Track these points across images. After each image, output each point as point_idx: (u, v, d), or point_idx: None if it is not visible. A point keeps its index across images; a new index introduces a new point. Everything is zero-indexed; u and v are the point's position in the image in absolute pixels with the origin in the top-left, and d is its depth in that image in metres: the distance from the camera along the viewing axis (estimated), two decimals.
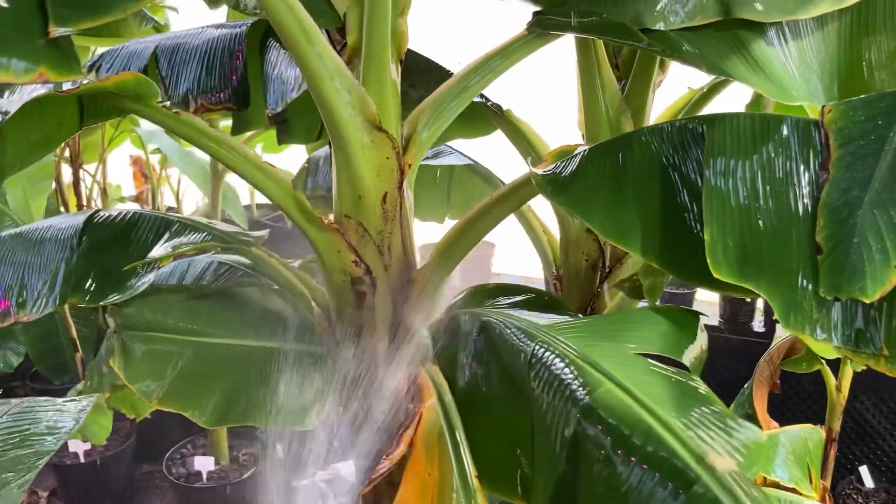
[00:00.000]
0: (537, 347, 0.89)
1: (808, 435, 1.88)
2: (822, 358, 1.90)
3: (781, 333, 1.98)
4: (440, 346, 1.13)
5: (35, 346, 3.20)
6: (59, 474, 3.00)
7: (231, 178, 3.24)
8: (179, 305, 1.62)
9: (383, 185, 1.27)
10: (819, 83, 1.39)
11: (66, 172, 3.47)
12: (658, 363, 0.89)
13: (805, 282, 0.89)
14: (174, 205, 3.68)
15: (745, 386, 1.96)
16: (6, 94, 1.17)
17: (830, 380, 1.90)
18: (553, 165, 1.12)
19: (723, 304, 2.74)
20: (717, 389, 1.06)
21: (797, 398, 2.62)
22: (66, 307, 2.85)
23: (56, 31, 0.59)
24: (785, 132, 0.95)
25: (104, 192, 3.50)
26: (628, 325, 0.97)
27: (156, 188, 3.49)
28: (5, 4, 0.57)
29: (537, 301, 1.11)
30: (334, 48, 1.21)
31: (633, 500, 0.74)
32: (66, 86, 1.11)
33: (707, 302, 2.84)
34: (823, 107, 0.96)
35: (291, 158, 3.54)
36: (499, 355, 0.96)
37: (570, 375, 0.84)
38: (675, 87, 1.82)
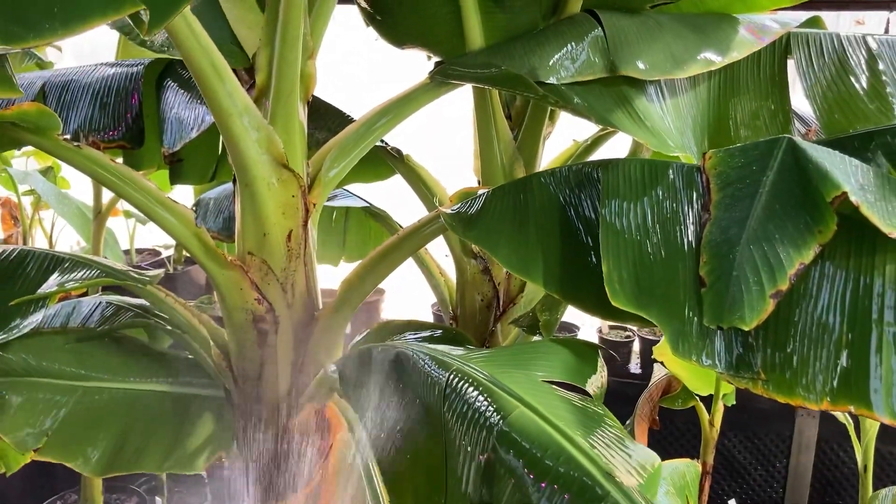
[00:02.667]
0: (451, 376, 0.92)
1: (687, 468, 2.00)
2: (696, 395, 2.03)
3: (659, 373, 2.10)
4: (350, 380, 1.14)
5: None
6: None
7: (110, 222, 3.12)
8: (64, 348, 1.55)
9: (288, 224, 1.28)
10: (692, 136, 1.52)
11: None
12: (564, 390, 0.94)
13: (691, 312, 0.97)
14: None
15: (627, 423, 2.06)
16: None
17: (704, 416, 2.02)
18: (459, 205, 1.17)
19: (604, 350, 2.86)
20: None
21: (674, 435, 2.76)
22: None
23: (0, 49, 0.59)
24: (671, 176, 1.04)
25: None
26: (535, 355, 1.01)
27: (27, 231, 3.31)
28: None
29: (444, 336, 1.15)
30: (242, 86, 1.22)
31: None
32: None
33: None
34: (705, 154, 1.05)
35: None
36: (413, 385, 0.99)
37: (485, 402, 0.87)
38: (560, 139, 1.93)
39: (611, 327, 2.89)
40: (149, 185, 1.24)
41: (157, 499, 2.80)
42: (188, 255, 3.51)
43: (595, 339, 2.91)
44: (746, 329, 0.93)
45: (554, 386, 0.94)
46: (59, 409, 1.50)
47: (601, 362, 1.11)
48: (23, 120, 1.09)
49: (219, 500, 2.74)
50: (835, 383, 0.90)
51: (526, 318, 1.38)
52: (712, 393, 1.99)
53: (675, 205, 1.02)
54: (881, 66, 1.63)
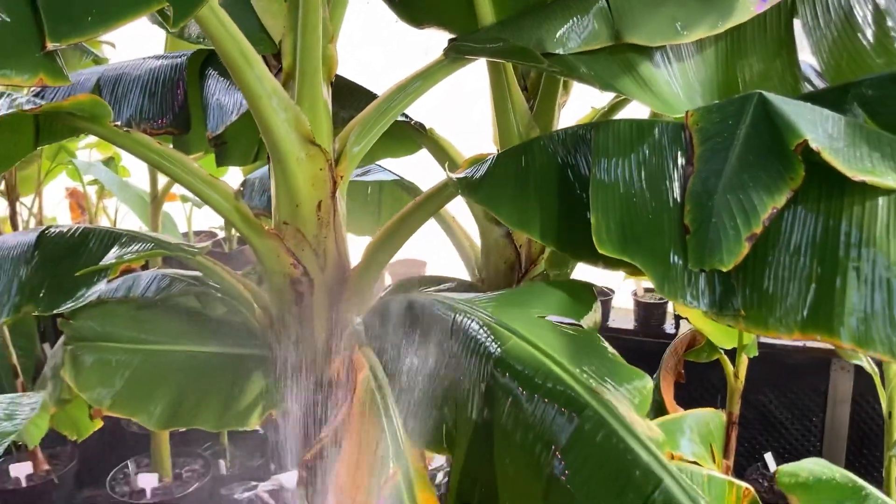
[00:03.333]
0: (457, 317, 1.04)
1: (710, 418, 2.07)
2: (721, 348, 2.10)
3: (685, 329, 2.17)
4: (373, 329, 1.26)
5: None
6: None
7: (168, 207, 3.31)
8: (127, 316, 1.71)
9: (318, 195, 1.40)
10: (700, 100, 1.59)
11: (2, 205, 3.49)
12: (561, 324, 1.04)
13: (676, 257, 1.05)
14: None
15: (654, 376, 2.14)
16: None
17: (729, 368, 2.09)
18: (468, 170, 1.27)
19: (637, 311, 2.94)
20: None
21: (703, 390, 2.82)
22: (7, 335, 2.87)
23: (52, 45, 0.70)
24: (657, 134, 1.12)
25: (40, 224, 3.52)
26: (532, 296, 1.12)
27: (93, 219, 3.52)
28: (7, 18, 0.68)
29: (459, 286, 1.26)
30: (270, 71, 1.34)
31: (537, 429, 0.88)
32: (25, 105, 1.21)
33: (623, 309, 3.03)
34: (688, 112, 1.13)
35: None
36: (424, 327, 1.10)
37: (485, 334, 0.98)
38: (579, 107, 2.01)
39: (645, 290, 2.96)
40: (194, 165, 1.38)
41: (221, 461, 2.99)
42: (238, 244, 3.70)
43: (630, 303, 2.98)
44: (725, 270, 1.01)
45: (552, 321, 1.04)
46: (124, 369, 1.67)
47: (597, 301, 1.20)
48: (79, 109, 1.23)
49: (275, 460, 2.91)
50: (805, 314, 0.98)
51: (540, 277, 1.48)
52: (735, 346, 2.06)
53: (661, 160, 1.11)
54: (889, 23, 1.66)
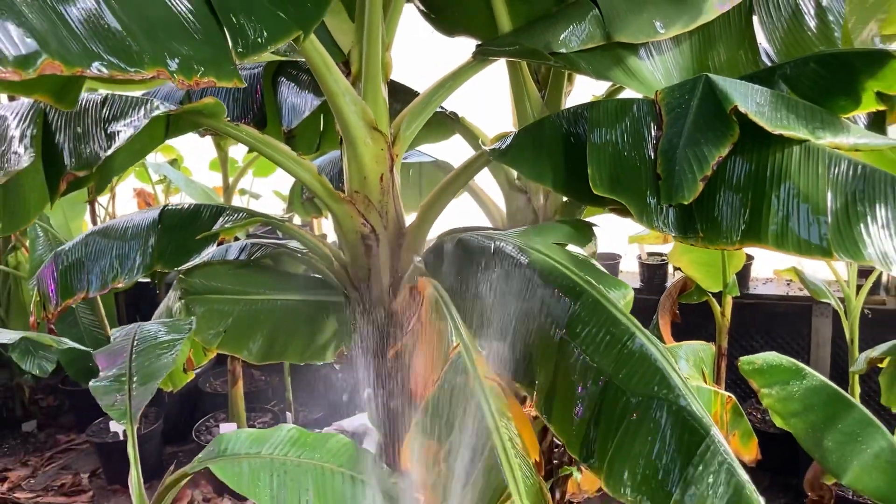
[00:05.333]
0: (496, 243, 1.42)
1: (702, 348, 2.46)
2: (709, 291, 2.47)
3: (676, 277, 2.54)
4: (430, 263, 1.65)
5: (65, 353, 3.61)
6: (101, 452, 3.41)
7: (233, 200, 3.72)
8: (227, 274, 2.11)
9: (380, 168, 1.79)
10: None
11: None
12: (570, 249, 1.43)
13: (651, 197, 1.43)
14: None
15: (654, 317, 2.52)
16: (121, 120, 1.66)
17: (716, 308, 2.46)
18: (496, 143, 1.66)
19: (641, 271, 3.31)
20: None
21: (700, 327, 3.18)
22: (103, 314, 3.30)
23: (239, 63, 1.09)
24: (635, 109, 1.50)
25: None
26: (548, 230, 1.50)
27: None
28: (205, 38, 1.05)
29: (492, 229, 1.64)
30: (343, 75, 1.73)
31: (546, 307, 1.27)
32: (168, 108, 1.61)
33: (630, 273, 3.40)
34: (657, 91, 1.51)
35: (277, 181, 4.05)
36: (471, 253, 1.49)
37: (516, 252, 1.37)
38: (584, 95, 2.39)
39: (648, 254, 3.33)
40: (285, 148, 1.77)
41: (288, 413, 3.40)
42: (298, 221, 4.10)
43: (635, 265, 3.36)
44: (687, 203, 1.39)
45: (559, 245, 1.43)
46: (228, 316, 2.07)
47: (595, 235, 1.58)
48: (206, 108, 1.63)
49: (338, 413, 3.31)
50: (742, 230, 1.35)
51: None
52: (721, 290, 2.43)
53: (639, 127, 1.49)
54: (830, 17, 2.02)
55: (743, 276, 3.12)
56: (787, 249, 1.32)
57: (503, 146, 1.61)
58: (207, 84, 1.04)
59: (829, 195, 1.32)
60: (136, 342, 1.68)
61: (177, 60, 0.99)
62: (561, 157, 1.51)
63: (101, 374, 1.59)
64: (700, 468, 1.07)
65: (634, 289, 3.37)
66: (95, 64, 0.89)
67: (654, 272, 3.23)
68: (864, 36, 1.80)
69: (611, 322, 1.24)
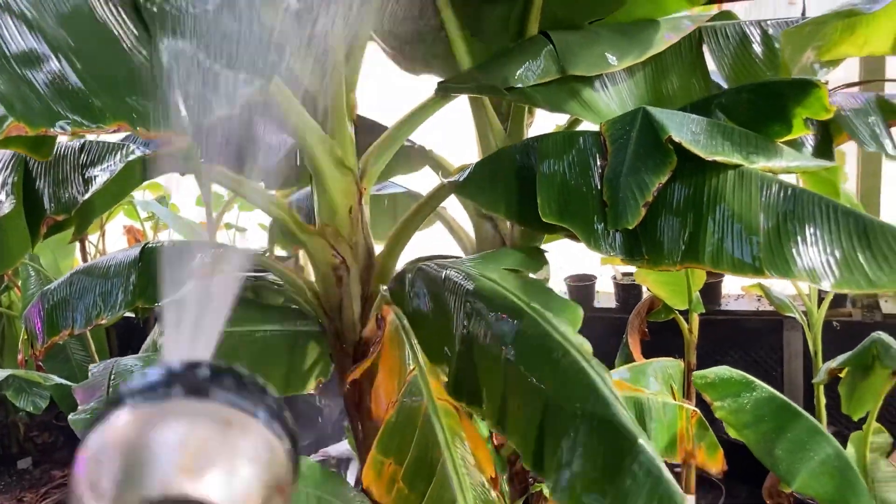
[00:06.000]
0: (447, 272, 1.49)
1: (670, 364, 2.52)
2: (676, 309, 2.54)
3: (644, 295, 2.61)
4: (394, 291, 1.72)
5: (57, 389, 3.66)
6: None
7: (218, 236, 3.80)
8: None
9: (348, 202, 1.86)
10: None
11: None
12: (521, 274, 1.50)
13: (598, 223, 1.51)
14: None
15: (624, 335, 2.59)
16: (98, 166, 1.75)
17: (683, 325, 2.53)
18: (456, 175, 1.74)
19: (616, 292, 3.38)
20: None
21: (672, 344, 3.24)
22: (93, 349, 3.36)
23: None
24: (581, 141, 1.59)
25: None
26: (502, 256, 1.57)
27: None
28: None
29: (452, 258, 1.72)
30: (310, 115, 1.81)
31: (494, 332, 1.34)
32: (141, 152, 1.69)
33: (606, 293, 3.48)
34: (601, 123, 1.59)
35: (263, 214, 4.13)
36: (426, 282, 1.56)
37: (464, 279, 1.44)
38: (548, 124, 2.48)
39: (623, 274, 3.41)
40: (259, 186, 1.86)
41: None
42: (279, 252, 4.18)
43: (611, 285, 3.43)
44: (631, 228, 1.47)
45: (512, 270, 1.50)
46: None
47: (547, 262, 1.65)
48: (178, 151, 1.71)
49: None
50: (682, 251, 1.43)
51: None
52: (687, 307, 2.50)
53: (585, 157, 1.57)
54: (776, 44, 2.13)
55: (714, 293, 3.20)
56: (723, 268, 1.40)
57: (461, 178, 1.70)
58: (166, 136, 1.12)
59: (762, 216, 1.40)
60: (112, 376, 1.74)
61: (136, 115, 1.07)
62: (514, 188, 1.59)
63: (79, 407, 1.65)
64: (628, 472, 1.13)
65: (610, 308, 3.48)
66: (59, 122, 0.97)
67: (629, 292, 3.31)
68: (803, 62, 1.90)
69: (549, 341, 1.31)
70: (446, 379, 1.42)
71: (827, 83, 1.58)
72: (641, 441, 1.13)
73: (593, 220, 1.52)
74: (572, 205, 1.52)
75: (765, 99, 1.61)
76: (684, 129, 1.47)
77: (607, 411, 1.18)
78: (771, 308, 2.87)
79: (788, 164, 1.47)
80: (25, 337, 2.13)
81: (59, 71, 1.03)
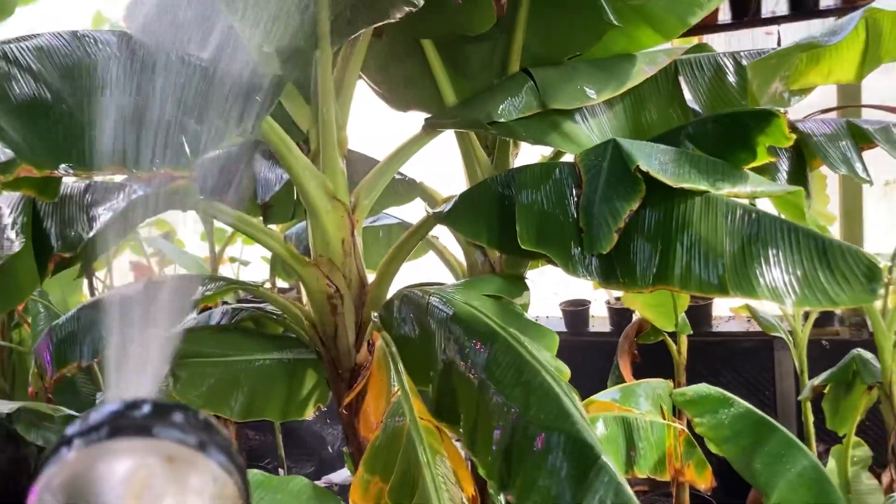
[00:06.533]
0: (430, 298, 1.57)
1: (660, 385, 2.58)
2: (665, 331, 2.60)
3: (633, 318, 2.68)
4: (383, 317, 1.80)
5: (67, 422, 3.72)
6: None
7: (222, 270, 3.89)
8: (209, 338, 2.25)
9: (341, 234, 1.95)
10: None
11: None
12: (500, 300, 1.58)
13: (575, 248, 1.58)
14: None
15: (614, 358, 2.65)
16: (102, 205, 1.83)
17: (672, 346, 2.59)
18: (441, 206, 1.82)
19: (610, 315, 3.45)
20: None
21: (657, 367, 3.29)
22: (101, 381, 3.42)
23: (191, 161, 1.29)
24: (558, 172, 1.67)
25: None
26: (483, 283, 1.65)
27: None
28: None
29: (436, 284, 1.79)
30: (303, 153, 1.90)
31: (469, 357, 1.41)
32: (147, 191, 1.78)
33: (600, 317, 3.54)
34: (575, 155, 1.68)
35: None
36: (412, 308, 1.63)
37: (444, 306, 1.52)
38: (533, 155, 2.57)
39: (616, 298, 3.47)
40: (254, 220, 1.94)
41: (280, 471, 3.50)
42: (280, 285, 4.27)
43: (604, 309, 3.50)
44: (605, 253, 1.54)
45: (489, 296, 1.57)
46: (210, 378, 2.20)
47: (527, 288, 1.73)
48: (180, 190, 1.80)
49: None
50: (654, 273, 1.50)
51: None
52: (675, 329, 2.56)
53: (561, 187, 1.65)
54: (749, 73, 2.21)
55: (705, 315, 3.26)
56: (691, 289, 1.47)
57: (446, 209, 1.78)
58: (164, 177, 1.22)
59: (727, 239, 1.47)
60: None
61: (130, 158, 1.16)
62: (495, 217, 1.67)
63: None
64: (590, 488, 1.19)
65: (604, 332, 3.54)
66: (62, 165, 1.06)
67: (622, 316, 3.37)
68: (772, 92, 1.98)
69: (521, 363, 1.38)
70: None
71: (786, 113, 1.66)
72: (604, 458, 1.19)
73: (570, 245, 1.59)
74: (549, 232, 1.60)
75: (728, 128, 1.70)
76: (652, 158, 1.55)
77: (573, 429, 1.24)
78: (760, 329, 2.92)
79: (753, 190, 1.55)
80: (35, 371, 2.20)
81: (61, 118, 1.12)
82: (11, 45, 1.16)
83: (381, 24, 1.69)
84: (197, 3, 2.19)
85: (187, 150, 1.29)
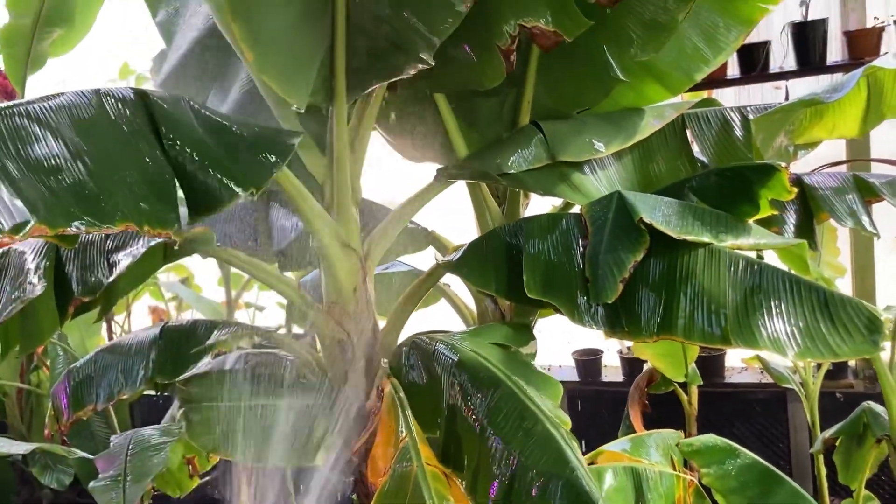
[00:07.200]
0: (436, 345, 1.60)
1: (671, 436, 2.57)
2: (676, 382, 2.60)
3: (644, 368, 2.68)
4: (392, 364, 1.82)
5: (81, 466, 3.75)
6: None
7: (238, 315, 3.94)
8: (222, 383, 2.28)
9: (353, 281, 1.98)
10: None
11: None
12: (505, 348, 1.60)
13: (581, 297, 1.61)
14: None
15: (625, 408, 2.65)
16: (122, 251, 1.89)
17: (683, 396, 2.58)
18: (451, 255, 1.86)
19: (623, 365, 3.44)
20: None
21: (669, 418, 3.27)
22: (116, 425, 3.46)
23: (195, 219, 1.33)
24: (564, 222, 1.70)
25: None
26: (489, 331, 1.68)
27: None
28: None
29: (444, 332, 1.82)
30: (318, 202, 1.95)
31: (472, 403, 1.43)
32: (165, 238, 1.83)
33: (612, 366, 3.54)
34: (581, 206, 1.71)
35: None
36: (420, 355, 1.66)
37: (452, 352, 1.54)
38: (544, 205, 2.61)
39: (628, 348, 3.47)
40: (269, 268, 1.99)
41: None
42: (295, 330, 4.31)
43: (617, 359, 3.50)
44: (610, 302, 1.57)
45: (495, 344, 1.60)
46: (223, 422, 2.22)
47: (533, 337, 1.75)
48: (197, 237, 1.85)
49: None
50: (658, 323, 1.52)
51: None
52: (685, 380, 2.56)
53: (567, 237, 1.68)
54: (754, 129, 2.25)
55: (717, 366, 3.25)
56: (694, 339, 1.49)
57: (456, 258, 1.82)
58: (167, 236, 1.27)
59: (730, 290, 1.50)
60: (131, 446, 1.84)
61: (143, 216, 1.21)
62: (503, 267, 1.71)
63: (100, 475, 1.74)
64: None
65: (617, 382, 3.53)
66: (75, 223, 1.12)
67: (634, 365, 3.36)
68: (777, 146, 2.02)
69: (523, 411, 1.40)
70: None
71: (788, 167, 1.70)
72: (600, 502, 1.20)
73: (576, 295, 1.62)
74: (556, 281, 1.63)
75: (732, 182, 1.73)
76: (656, 210, 1.58)
77: (571, 476, 1.25)
78: (771, 380, 2.91)
79: (756, 242, 1.57)
80: (52, 413, 2.24)
81: (77, 175, 1.18)
82: (35, 105, 1.22)
83: (394, 79, 1.75)
84: (218, 57, 2.29)
85: (203, 204, 1.34)
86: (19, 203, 1.07)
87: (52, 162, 1.17)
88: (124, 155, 1.29)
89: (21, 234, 1.04)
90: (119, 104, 1.34)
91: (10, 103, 1.25)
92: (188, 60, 2.27)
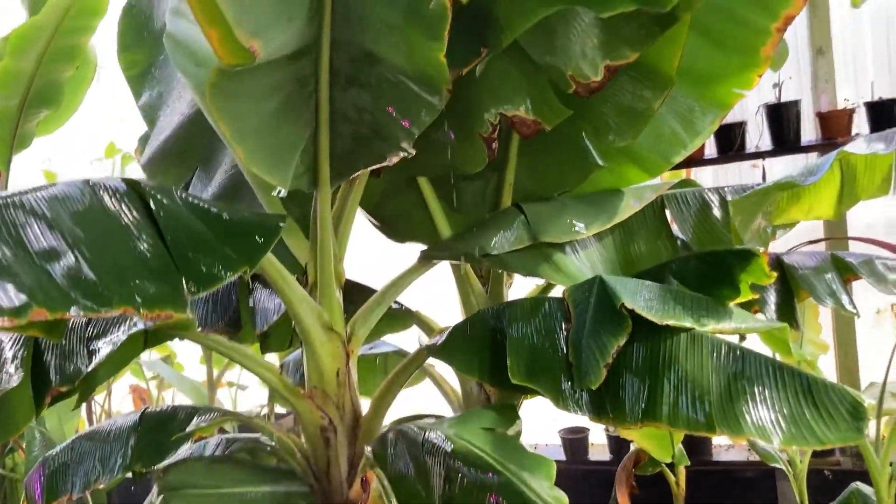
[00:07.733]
0: (426, 433, 1.58)
1: None
2: (662, 462, 2.57)
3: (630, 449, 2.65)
4: (377, 452, 1.79)
5: None
6: None
7: (220, 393, 3.88)
8: (203, 469, 2.23)
9: (336, 365, 1.97)
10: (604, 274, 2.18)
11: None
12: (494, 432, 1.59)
13: (565, 382, 1.60)
14: None
15: (613, 489, 2.60)
16: (103, 338, 1.87)
17: (671, 477, 2.55)
18: (434, 338, 1.85)
19: (609, 443, 3.40)
20: None
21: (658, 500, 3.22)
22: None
23: (193, 297, 1.33)
24: (547, 306, 1.71)
25: (108, 416, 4.09)
26: (477, 416, 1.66)
27: None
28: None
29: (432, 417, 1.80)
30: (301, 285, 1.95)
31: (469, 488, 1.40)
32: (147, 325, 1.82)
33: (599, 444, 3.49)
34: (564, 290, 1.72)
35: None
36: (407, 445, 1.64)
37: (442, 441, 1.52)
38: (529, 284, 2.62)
39: (615, 427, 3.43)
40: (250, 352, 1.97)
41: None
42: (278, 410, 4.24)
43: (604, 437, 3.45)
44: (594, 388, 1.56)
45: (485, 429, 1.58)
46: None
47: (519, 418, 1.73)
48: (178, 324, 1.84)
49: None
50: (643, 409, 1.51)
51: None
52: (672, 461, 2.53)
53: (550, 322, 1.69)
54: (732, 211, 2.28)
55: (705, 444, 3.22)
56: (679, 427, 1.48)
57: (439, 341, 1.81)
58: (165, 317, 1.27)
59: (713, 376, 1.49)
60: None
61: (139, 299, 1.22)
62: (487, 350, 1.70)
63: None
64: None
65: (604, 461, 3.48)
66: (73, 308, 1.12)
67: (621, 444, 3.32)
68: (755, 227, 2.05)
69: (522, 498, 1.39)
70: None
71: (766, 252, 1.72)
72: None
73: (560, 380, 1.61)
74: (540, 366, 1.62)
75: (712, 266, 1.75)
76: (637, 295, 1.59)
77: None
78: (758, 458, 2.88)
79: (737, 326, 1.58)
80: (25, 502, 2.17)
81: (74, 263, 1.19)
82: (28, 196, 1.24)
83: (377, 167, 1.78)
84: (202, 140, 2.31)
85: (191, 289, 1.34)
86: (20, 293, 1.08)
87: (49, 252, 1.19)
88: (119, 242, 1.31)
89: (21, 319, 1.04)
90: (113, 197, 1.37)
91: (3, 194, 1.27)
92: (172, 144, 2.30)
